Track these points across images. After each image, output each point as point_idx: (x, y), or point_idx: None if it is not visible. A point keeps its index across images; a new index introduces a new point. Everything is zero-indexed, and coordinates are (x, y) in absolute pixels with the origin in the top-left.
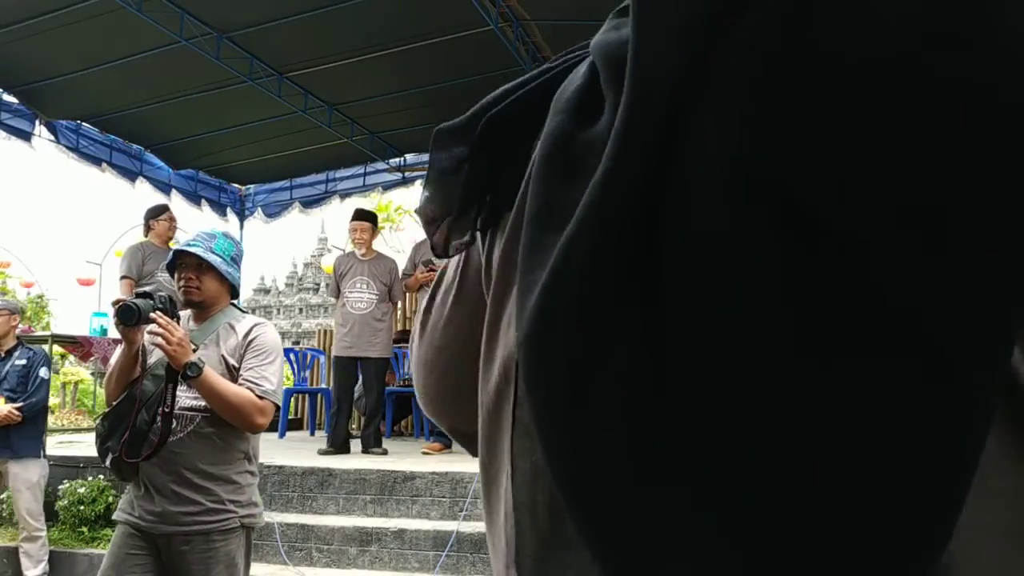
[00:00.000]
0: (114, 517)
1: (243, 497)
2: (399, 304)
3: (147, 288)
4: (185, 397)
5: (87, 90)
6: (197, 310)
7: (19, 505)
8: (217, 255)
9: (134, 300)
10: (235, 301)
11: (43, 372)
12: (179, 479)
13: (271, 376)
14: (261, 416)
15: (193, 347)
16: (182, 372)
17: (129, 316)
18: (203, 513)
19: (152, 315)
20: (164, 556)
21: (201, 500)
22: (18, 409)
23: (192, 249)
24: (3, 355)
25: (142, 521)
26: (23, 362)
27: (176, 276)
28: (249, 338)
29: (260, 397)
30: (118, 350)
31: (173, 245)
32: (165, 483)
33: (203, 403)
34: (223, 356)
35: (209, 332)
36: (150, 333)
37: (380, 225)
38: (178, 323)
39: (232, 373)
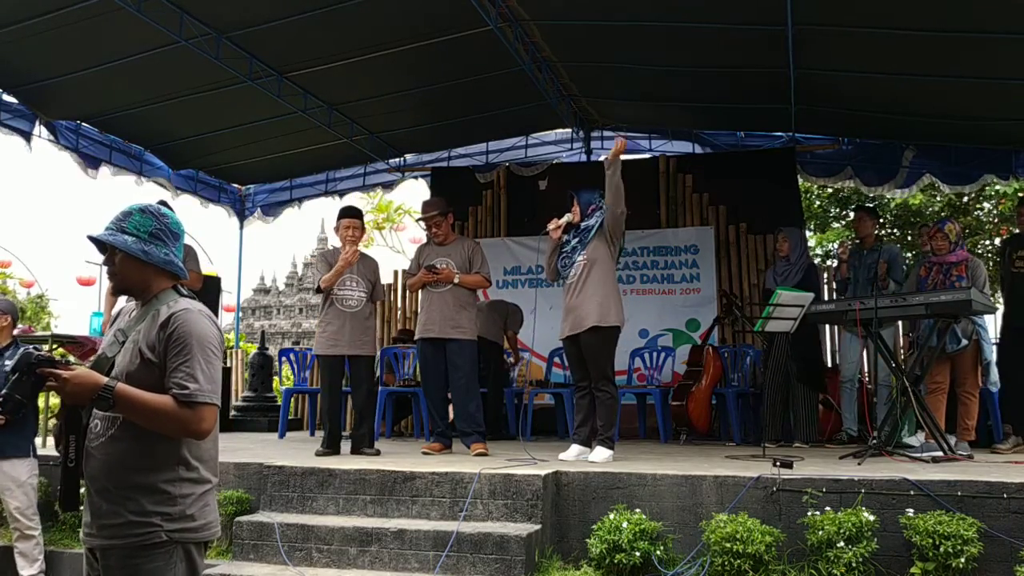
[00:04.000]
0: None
1: (174, 509)
2: (399, 304)
3: (11, 366)
4: None
5: (87, 90)
6: (134, 298)
7: (8, 504)
8: (129, 234)
9: (6, 393)
10: (180, 286)
11: None
12: (102, 488)
13: (196, 372)
14: (197, 424)
15: (123, 338)
16: (95, 406)
17: (18, 408)
18: (123, 526)
19: (23, 397)
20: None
21: (122, 511)
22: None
23: (98, 234)
24: None
25: (84, 534)
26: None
27: None
28: (168, 330)
29: (185, 403)
30: None
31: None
32: (92, 492)
33: None
34: (140, 348)
35: (141, 321)
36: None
37: (381, 225)
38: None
39: (149, 366)
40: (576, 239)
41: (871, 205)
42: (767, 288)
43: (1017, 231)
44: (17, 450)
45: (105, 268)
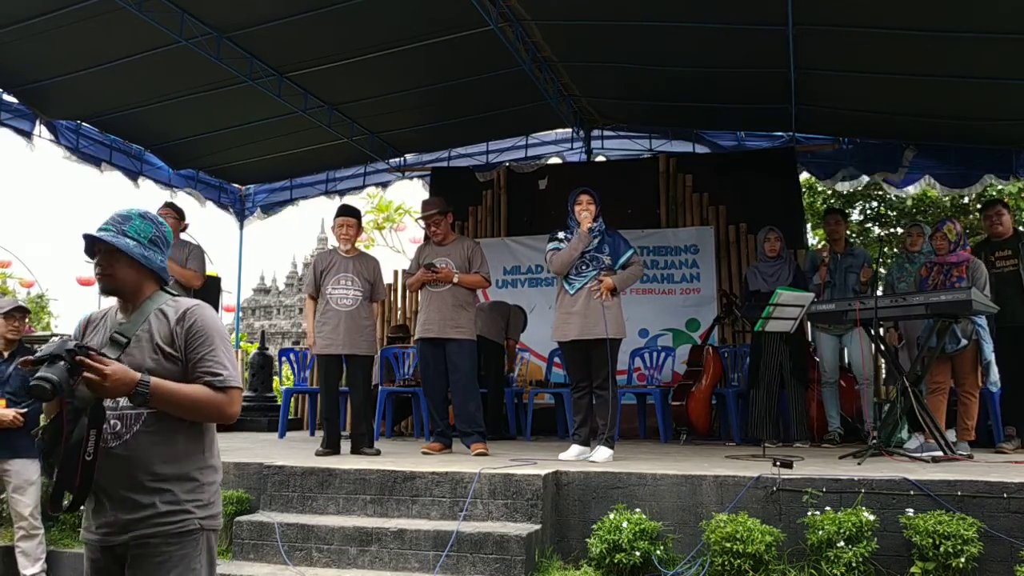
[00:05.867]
0: (80, 537)
1: (203, 497)
2: (399, 304)
3: (43, 352)
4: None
5: (87, 90)
6: (122, 300)
7: (20, 503)
8: (130, 238)
9: (43, 376)
10: (168, 287)
11: None
12: (131, 484)
13: (223, 360)
14: (230, 407)
15: (125, 339)
16: (131, 399)
17: (51, 394)
18: (157, 516)
19: (71, 380)
20: (126, 568)
21: (156, 503)
22: (21, 414)
23: (99, 234)
24: (6, 357)
25: (97, 535)
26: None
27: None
28: (186, 324)
29: (220, 388)
30: None
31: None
32: (116, 490)
33: None
34: (157, 344)
35: (140, 322)
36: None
37: (381, 224)
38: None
39: (171, 361)
40: (595, 250)
41: (843, 208)
42: (752, 289)
43: (984, 236)
44: (29, 450)
45: (97, 268)
